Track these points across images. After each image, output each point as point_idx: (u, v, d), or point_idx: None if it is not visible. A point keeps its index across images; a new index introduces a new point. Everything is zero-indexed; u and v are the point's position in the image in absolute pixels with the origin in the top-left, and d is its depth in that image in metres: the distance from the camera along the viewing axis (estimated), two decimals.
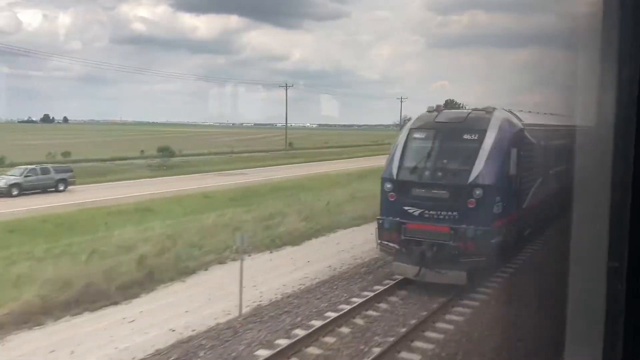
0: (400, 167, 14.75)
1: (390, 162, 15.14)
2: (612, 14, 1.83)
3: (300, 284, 15.49)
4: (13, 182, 35.28)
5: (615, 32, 1.82)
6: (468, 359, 10.70)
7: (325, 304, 13.58)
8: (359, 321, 12.44)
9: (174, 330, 12.15)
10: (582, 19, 2.06)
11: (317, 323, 12.08)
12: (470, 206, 13.53)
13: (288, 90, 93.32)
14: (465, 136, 14.42)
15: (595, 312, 1.90)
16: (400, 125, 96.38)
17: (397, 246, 14.41)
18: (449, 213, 13.74)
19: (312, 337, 11.28)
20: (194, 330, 12.07)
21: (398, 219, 14.36)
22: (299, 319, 12.59)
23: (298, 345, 10.83)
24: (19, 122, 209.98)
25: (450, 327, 12.15)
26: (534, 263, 16.88)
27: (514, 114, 16.46)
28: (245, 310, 13.13)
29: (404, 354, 10.71)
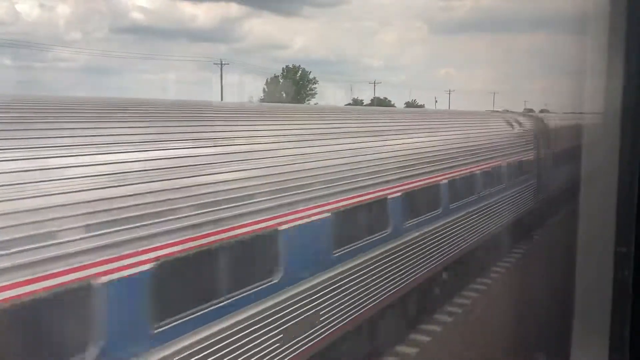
0: None
1: None
2: None
3: None
4: None
5: (623, 16, 1.81)
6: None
7: None
8: None
9: None
10: (590, 3, 2.05)
11: None
12: None
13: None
14: None
15: (603, 297, 1.90)
16: None
17: None
18: None
19: None
20: None
21: None
22: None
23: None
24: None
25: None
26: (542, 247, 16.93)
27: None
28: None
29: None
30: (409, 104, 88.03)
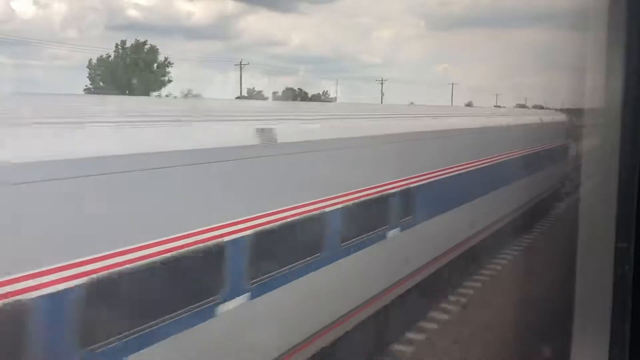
0: None
1: None
2: None
3: None
4: None
5: (623, 11, 1.81)
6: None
7: None
8: None
9: None
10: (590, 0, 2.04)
11: None
12: None
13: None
14: None
15: (603, 292, 1.91)
16: None
17: None
18: None
19: None
20: None
21: None
22: None
23: None
24: None
25: None
26: (543, 241, 16.96)
27: None
28: None
29: None
30: (315, 97, 67.90)
